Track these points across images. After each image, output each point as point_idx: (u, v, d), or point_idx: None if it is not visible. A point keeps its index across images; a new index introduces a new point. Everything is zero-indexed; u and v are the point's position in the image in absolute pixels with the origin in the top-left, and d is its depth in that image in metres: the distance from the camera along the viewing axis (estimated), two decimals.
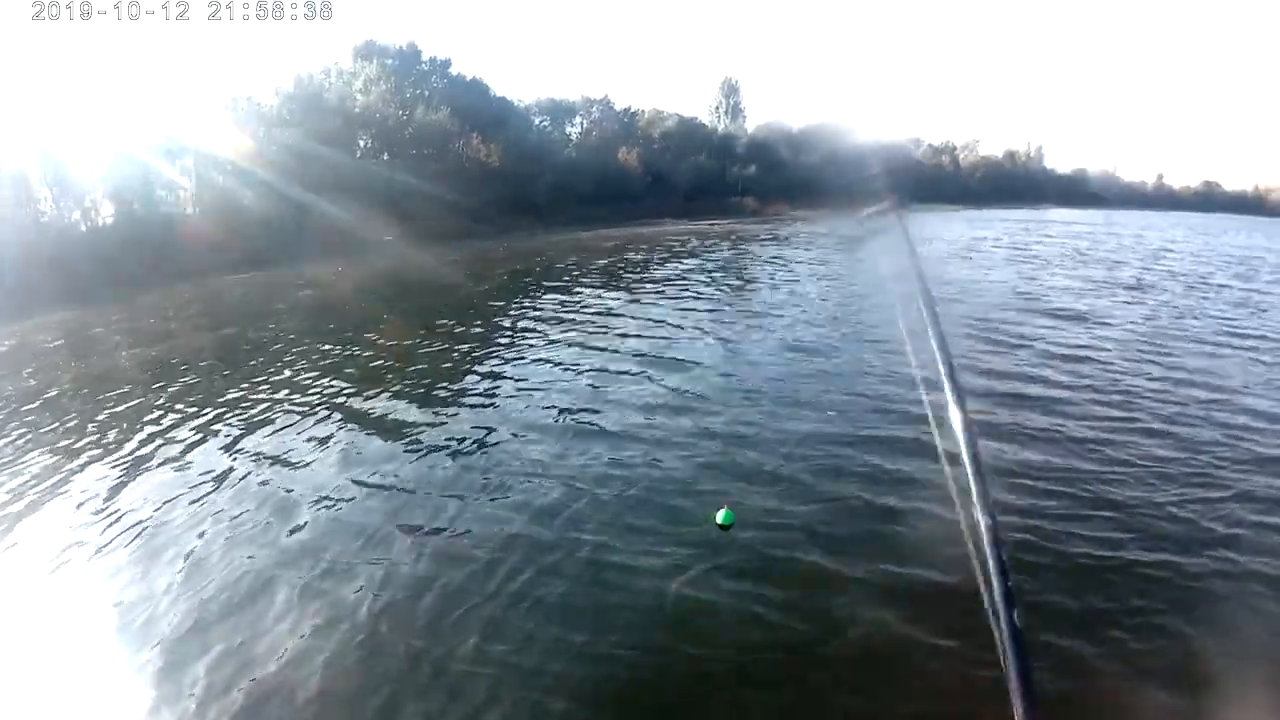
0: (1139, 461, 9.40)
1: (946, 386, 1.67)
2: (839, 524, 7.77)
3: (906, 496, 8.13)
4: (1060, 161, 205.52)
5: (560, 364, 14.67)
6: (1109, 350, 15.56)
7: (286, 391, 13.54)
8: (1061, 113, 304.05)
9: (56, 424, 12.56)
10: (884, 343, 15.55)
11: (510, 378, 13.88)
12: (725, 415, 11.34)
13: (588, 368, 14.29)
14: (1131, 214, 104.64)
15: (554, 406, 11.95)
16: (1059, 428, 10.67)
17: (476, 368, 14.95)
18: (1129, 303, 22.11)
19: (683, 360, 14.67)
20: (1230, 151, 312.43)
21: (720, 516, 7.69)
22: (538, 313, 20.57)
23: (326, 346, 17.31)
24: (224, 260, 36.06)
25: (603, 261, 34.45)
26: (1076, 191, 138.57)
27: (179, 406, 12.96)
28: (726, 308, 21.09)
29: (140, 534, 8.20)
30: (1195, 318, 19.79)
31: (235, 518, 8.46)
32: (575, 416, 11.46)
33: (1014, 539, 7.35)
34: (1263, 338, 17.26)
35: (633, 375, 13.60)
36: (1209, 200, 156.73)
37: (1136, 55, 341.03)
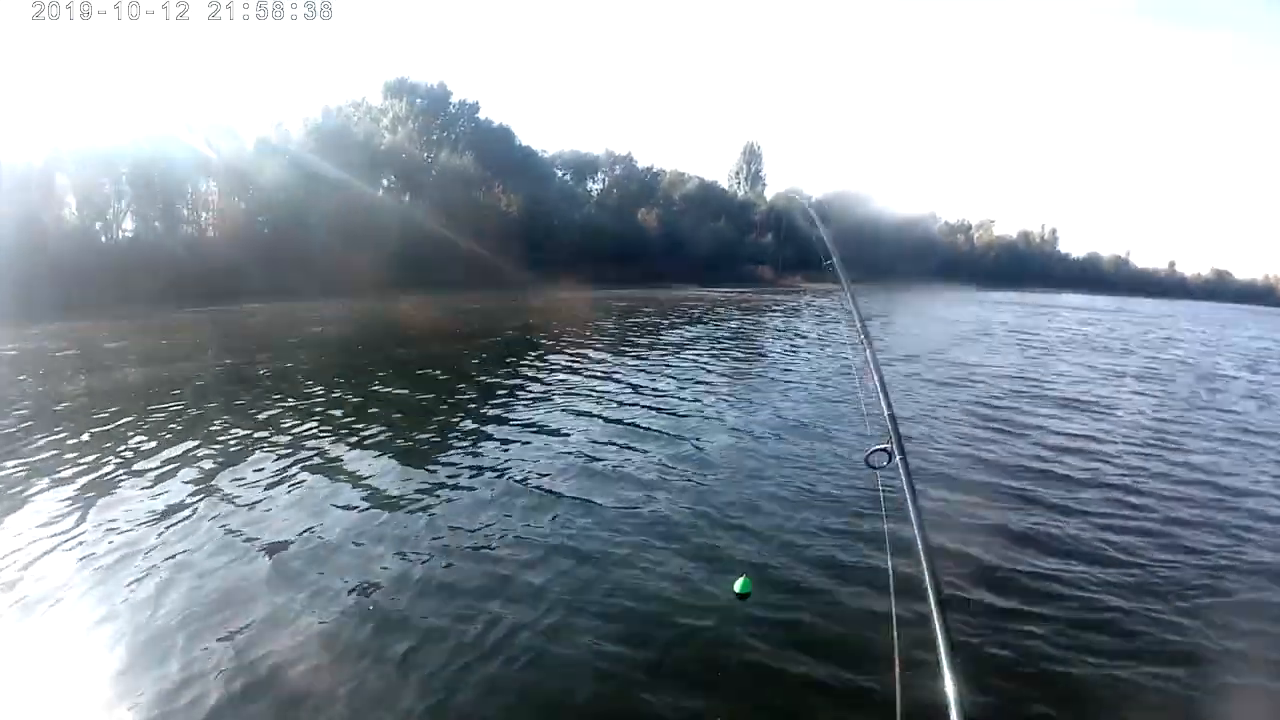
0: (1137, 564, 8.90)
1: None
2: (819, 626, 7.27)
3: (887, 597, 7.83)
4: (1074, 245, 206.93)
5: (552, 428, 14.45)
6: (1113, 442, 15.18)
7: (277, 431, 13.46)
8: (1077, 195, 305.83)
9: (42, 437, 12.62)
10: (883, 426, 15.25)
11: (498, 439, 13.59)
12: (712, 496, 10.86)
13: (580, 435, 14.01)
14: (1143, 301, 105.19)
15: (536, 472, 11.64)
16: (1055, 524, 10.13)
17: (465, 425, 14.82)
18: (1136, 392, 21.90)
19: (677, 434, 14.28)
20: (1241, 239, 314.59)
21: (738, 585, 7.36)
22: (538, 372, 20.46)
23: (326, 388, 17.35)
24: (241, 287, 36.93)
25: (613, 323, 34.84)
26: (1089, 276, 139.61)
27: (165, 434, 12.94)
28: (729, 379, 20.86)
29: (90, 564, 8.07)
30: (1203, 409, 19.52)
31: (192, 559, 8.21)
32: (557, 484, 11.14)
33: (998, 644, 7.03)
34: (1271, 433, 16.99)
35: (624, 446, 13.28)
36: (1220, 289, 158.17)
37: (1150, 141, 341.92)
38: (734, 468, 12.38)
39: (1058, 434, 15.73)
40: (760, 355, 26.84)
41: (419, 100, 58.94)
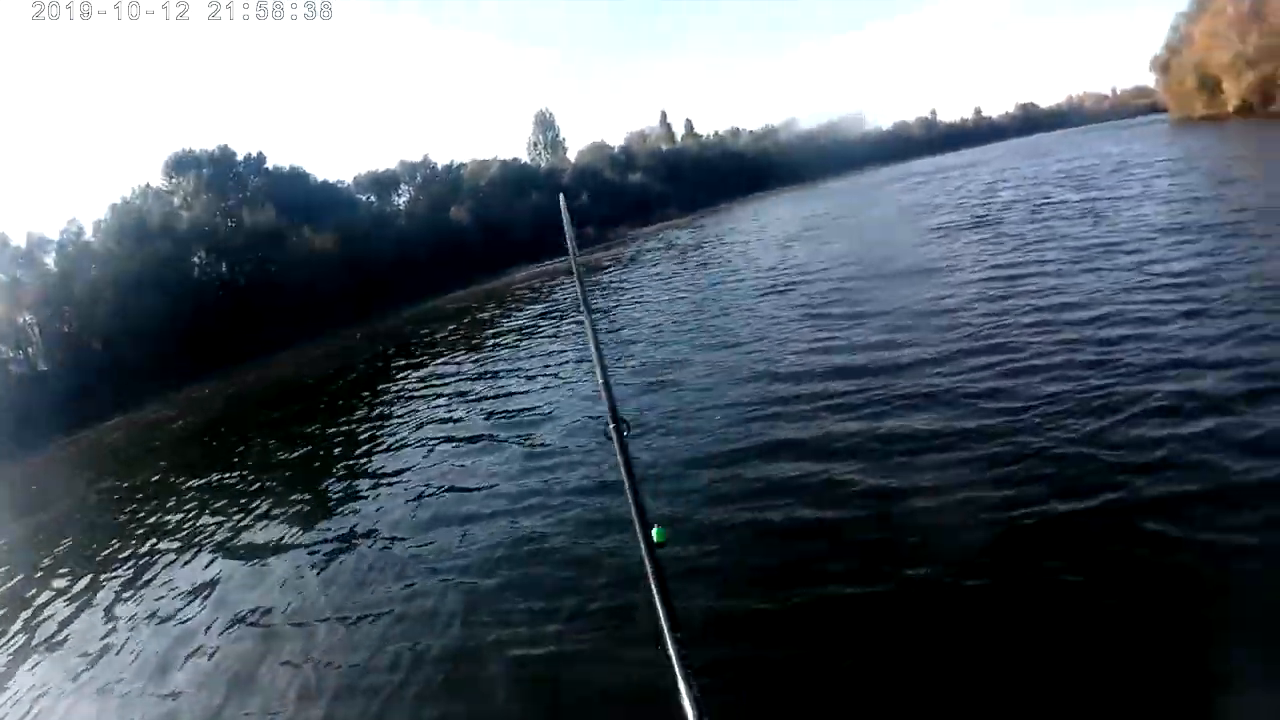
0: (1012, 424, 8.97)
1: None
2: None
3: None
4: (881, 118, 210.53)
5: (420, 447, 14.90)
6: (966, 301, 15.45)
7: (167, 538, 13.80)
8: (871, 70, 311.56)
9: None
10: (734, 351, 15.39)
11: (374, 474, 14.10)
12: (578, 474, 11.01)
13: (447, 445, 14.43)
14: (959, 154, 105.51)
15: (418, 495, 12.00)
16: (917, 406, 10.32)
17: (341, 470, 15.22)
18: (973, 242, 22.28)
19: (538, 417, 14.58)
20: (1041, 68, 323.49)
21: (654, 534, 7.29)
22: (396, 398, 20.89)
23: (202, 479, 17.62)
24: (91, 408, 37.07)
25: (453, 327, 34.84)
26: (901, 144, 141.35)
27: (64, 571, 13.58)
28: (577, 349, 20.51)
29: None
30: (1043, 242, 19.86)
31: (114, 685, 8.59)
32: (438, 502, 11.52)
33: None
34: (1111, 246, 17.31)
35: (492, 443, 13.70)
36: (1030, 121, 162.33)
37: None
38: (597, 435, 12.12)
39: (906, 308, 15.93)
40: (606, 313, 25.68)
41: (204, 170, 58.27)
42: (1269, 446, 7.14)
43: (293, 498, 14.01)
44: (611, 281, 36.63)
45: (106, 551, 13.99)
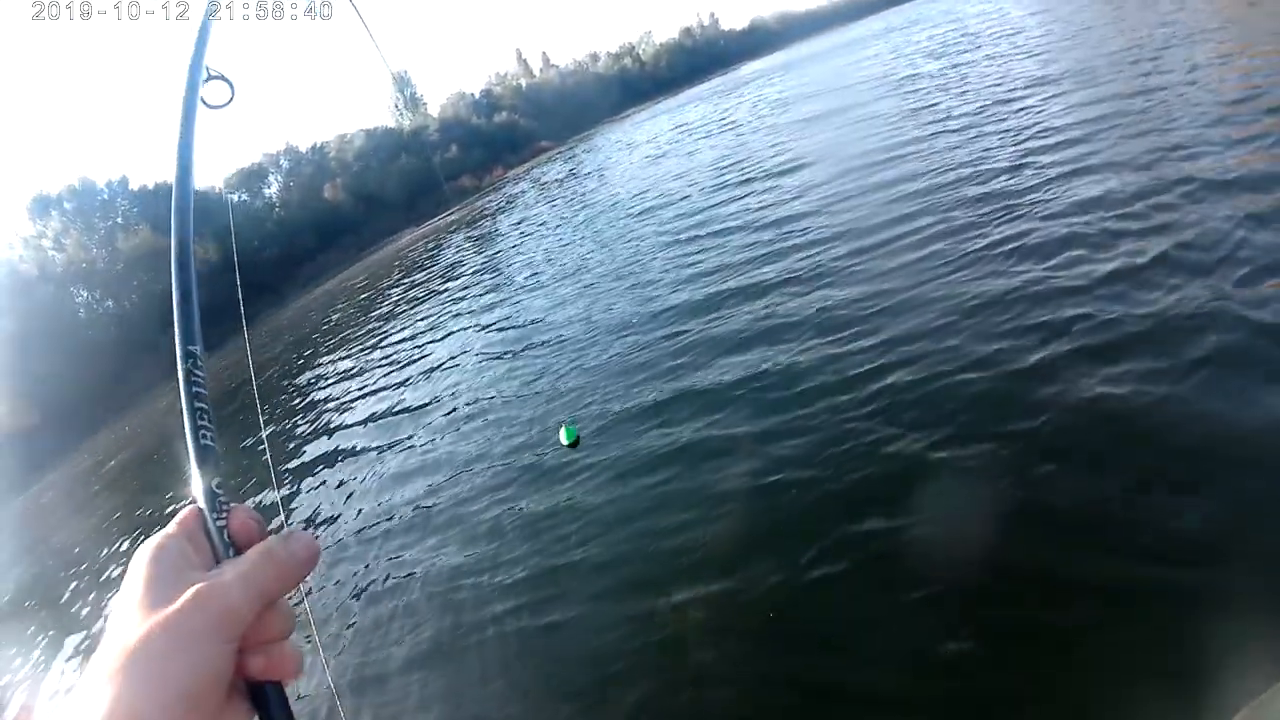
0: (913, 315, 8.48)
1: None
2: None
3: None
4: (735, 19, 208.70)
5: (324, 456, 14.29)
6: (841, 187, 15.24)
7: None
8: None
9: None
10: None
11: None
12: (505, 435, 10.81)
13: (348, 450, 13.77)
14: (817, 40, 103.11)
15: (335, 516, 11.43)
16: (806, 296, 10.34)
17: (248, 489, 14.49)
18: (841, 128, 21.82)
19: (429, 404, 13.87)
20: None
21: (563, 436, 7.81)
22: (292, 405, 20.35)
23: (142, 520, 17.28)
24: (23, 465, 37.52)
25: (341, 311, 34.94)
26: (761, 40, 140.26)
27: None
28: (470, 314, 19.91)
29: None
30: (906, 120, 19.20)
31: None
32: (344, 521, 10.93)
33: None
34: (971, 116, 16.97)
35: (390, 443, 12.79)
36: None
37: None
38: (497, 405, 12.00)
39: (768, 212, 15.78)
40: (498, 267, 25.68)
41: (67, 206, 57.09)
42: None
43: None
44: (494, 230, 35.97)
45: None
